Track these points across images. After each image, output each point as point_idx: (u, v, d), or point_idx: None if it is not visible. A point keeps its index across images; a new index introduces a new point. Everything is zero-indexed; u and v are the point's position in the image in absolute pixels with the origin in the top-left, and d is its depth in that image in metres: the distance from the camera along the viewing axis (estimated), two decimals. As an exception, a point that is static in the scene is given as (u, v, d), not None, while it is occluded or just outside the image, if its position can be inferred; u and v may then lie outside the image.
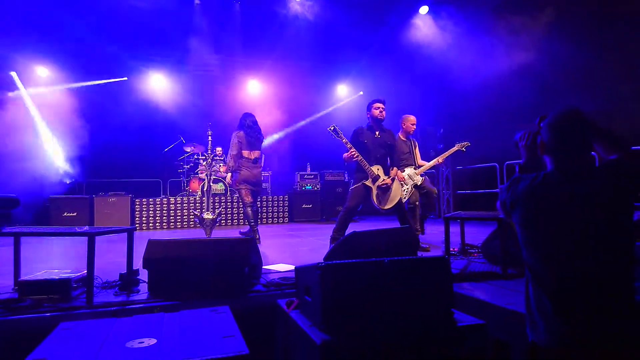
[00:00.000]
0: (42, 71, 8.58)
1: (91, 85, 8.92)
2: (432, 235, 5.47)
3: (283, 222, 8.56)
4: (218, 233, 6.08)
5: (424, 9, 8.49)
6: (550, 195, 1.40)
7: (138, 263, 2.60)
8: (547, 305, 1.34)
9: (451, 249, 3.70)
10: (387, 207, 4.17)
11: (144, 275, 2.64)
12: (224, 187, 8.36)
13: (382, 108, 4.29)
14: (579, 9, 6.15)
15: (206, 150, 5.04)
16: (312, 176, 9.09)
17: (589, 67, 5.99)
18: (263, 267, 3.10)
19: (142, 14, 7.71)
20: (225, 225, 8.02)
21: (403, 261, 1.83)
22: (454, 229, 3.72)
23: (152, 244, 2.57)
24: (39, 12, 7.10)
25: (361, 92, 10.71)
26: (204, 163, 4.83)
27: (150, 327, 1.84)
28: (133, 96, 9.13)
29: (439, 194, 9.21)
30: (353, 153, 4.08)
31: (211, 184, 4.83)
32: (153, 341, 1.64)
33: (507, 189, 1.57)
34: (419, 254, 3.55)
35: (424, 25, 8.65)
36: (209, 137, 4.96)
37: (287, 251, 4.49)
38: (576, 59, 5.97)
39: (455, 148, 5.13)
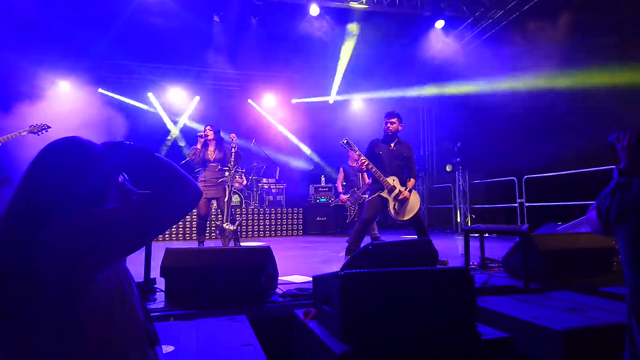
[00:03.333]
0: (64, 85, 8.83)
1: (112, 99, 9.15)
2: (449, 250, 5.38)
3: (297, 234, 8.53)
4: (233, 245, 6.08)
5: (439, 23, 8.51)
6: None
7: (155, 272, 2.61)
8: None
9: (470, 263, 3.63)
10: (405, 218, 4.13)
11: (160, 284, 2.64)
12: (239, 199, 8.40)
13: (395, 122, 4.30)
14: (596, 13, 6.03)
15: (226, 159, 5.07)
16: (327, 189, 9.08)
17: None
18: (278, 278, 3.08)
19: (162, 30, 7.93)
20: (240, 237, 8.03)
21: (424, 271, 1.79)
22: (472, 244, 3.65)
23: (169, 253, 2.58)
24: (63, 28, 7.33)
25: (375, 106, 10.74)
26: (226, 174, 4.85)
27: (168, 335, 1.83)
28: (154, 108, 9.34)
29: (456, 207, 9.10)
30: (366, 163, 4.08)
31: (230, 194, 4.84)
32: (171, 348, 1.63)
33: (611, 196, 1.32)
34: (437, 267, 3.48)
35: (440, 40, 8.67)
36: (232, 150, 5.00)
37: (301, 263, 4.46)
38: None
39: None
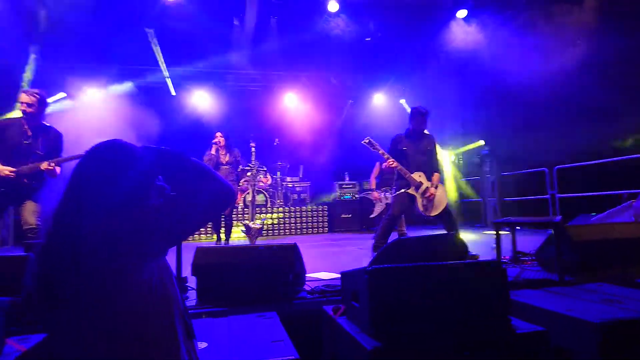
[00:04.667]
0: (92, 92, 9.12)
1: (139, 101, 9.39)
2: (479, 244, 5.27)
3: (322, 232, 8.55)
4: (261, 243, 6.15)
5: (462, 13, 8.33)
6: None
7: (186, 271, 2.67)
8: None
9: (502, 257, 3.54)
10: (433, 213, 4.08)
11: (192, 282, 2.70)
12: (264, 199, 8.48)
13: (425, 120, 4.24)
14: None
15: (250, 162, 5.16)
16: (351, 185, 9.05)
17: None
18: (306, 275, 3.10)
19: (185, 35, 8.10)
20: (267, 235, 8.11)
21: (455, 265, 1.76)
22: (503, 238, 3.56)
23: (200, 251, 2.64)
24: (90, 35, 7.56)
25: (401, 100, 10.61)
26: (249, 174, 4.94)
27: (201, 332, 1.87)
28: (178, 111, 9.54)
29: (485, 201, 8.90)
30: (391, 163, 4.04)
31: (255, 194, 4.92)
32: (204, 345, 1.67)
33: None
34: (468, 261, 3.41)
35: (463, 29, 8.48)
36: (252, 149, 5.08)
37: (328, 260, 4.47)
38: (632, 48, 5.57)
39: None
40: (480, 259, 4.08)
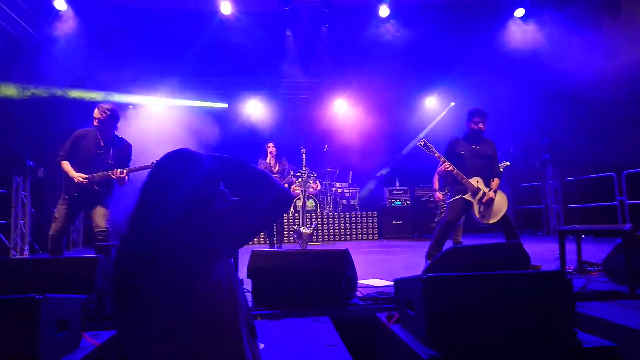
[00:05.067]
0: (157, 105, 9.72)
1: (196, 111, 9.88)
2: (542, 254, 4.98)
3: (372, 238, 8.48)
4: (312, 248, 6.22)
5: (519, 12, 7.98)
6: None
7: (242, 273, 2.77)
8: None
9: (567, 268, 3.34)
10: (491, 221, 3.90)
11: (247, 285, 2.80)
12: (314, 204, 8.58)
13: (481, 121, 4.09)
14: None
15: (300, 168, 5.26)
16: (402, 191, 8.91)
17: None
18: (357, 281, 3.10)
19: (240, 47, 8.44)
20: (316, 241, 8.18)
21: (515, 275, 1.69)
22: (568, 248, 3.35)
23: (255, 255, 2.72)
24: (152, 49, 8.09)
25: (452, 103, 10.32)
26: (299, 180, 5.04)
27: (258, 333, 1.93)
28: (234, 120, 9.95)
29: (547, 208, 8.40)
30: (447, 166, 3.91)
31: (305, 200, 5.01)
32: (261, 346, 1.72)
33: None
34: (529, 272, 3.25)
35: (521, 28, 8.12)
36: (303, 156, 5.18)
37: (379, 267, 4.43)
38: None
39: None
40: (543, 269, 3.86)
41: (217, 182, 1.31)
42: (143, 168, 3.75)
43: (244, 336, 1.15)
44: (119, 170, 3.71)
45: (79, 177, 3.65)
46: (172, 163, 1.28)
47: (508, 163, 4.71)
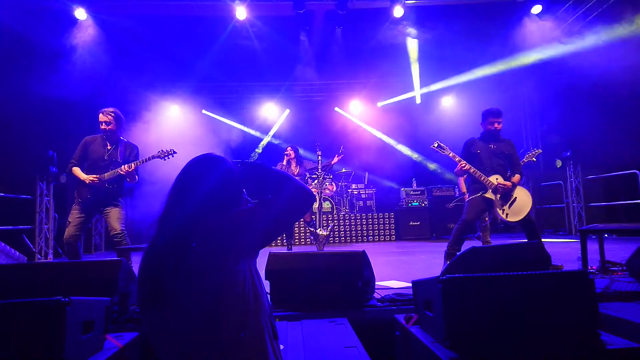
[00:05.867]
0: (174, 108, 9.89)
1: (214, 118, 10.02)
2: (563, 254, 4.88)
3: (390, 239, 8.43)
4: (328, 250, 6.23)
5: (536, 9, 7.84)
6: None
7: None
8: None
9: (589, 267, 3.26)
10: (515, 219, 3.83)
11: (265, 286, 2.82)
12: (330, 205, 8.58)
13: (501, 121, 4.04)
14: None
15: (316, 169, 5.28)
16: (419, 192, 8.83)
17: None
18: (375, 283, 3.08)
19: (255, 51, 8.53)
20: (333, 243, 8.18)
21: (536, 275, 1.66)
22: (590, 247, 3.27)
23: (273, 257, 2.74)
24: (168, 55, 8.24)
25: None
26: (315, 182, 5.06)
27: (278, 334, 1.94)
28: (250, 122, 10.05)
29: (568, 207, 8.22)
30: (463, 165, 3.88)
31: (322, 201, 5.03)
32: (281, 347, 1.73)
33: None
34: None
35: (538, 25, 7.97)
36: (319, 157, 5.19)
37: (397, 268, 4.40)
38: None
39: (525, 159, 4.49)
40: (565, 269, 3.78)
41: (240, 185, 1.37)
42: (148, 159, 3.86)
43: (266, 337, 1.16)
44: (126, 165, 3.83)
45: (89, 178, 3.77)
46: (197, 167, 1.33)
47: (540, 151, 4.58)
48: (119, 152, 3.95)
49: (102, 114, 3.94)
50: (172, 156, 4.04)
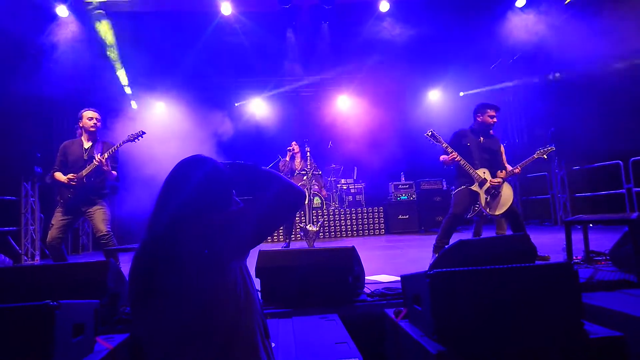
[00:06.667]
0: (160, 105, 9.78)
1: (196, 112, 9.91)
2: (549, 244, 4.98)
3: (379, 233, 8.49)
4: (319, 245, 6.25)
5: (520, 2, 7.91)
6: None
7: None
8: None
9: (574, 258, 3.33)
10: (497, 212, 3.90)
11: (255, 284, 2.83)
12: (320, 201, 8.60)
13: (496, 115, 4.08)
14: None
15: (306, 166, 5.28)
16: (407, 186, 8.89)
17: None
18: (365, 277, 3.11)
19: (241, 47, 8.46)
20: (323, 238, 8.21)
21: (522, 268, 1.70)
22: (575, 236, 3.35)
23: (263, 254, 2.75)
24: (153, 51, 8.11)
25: (461, 93, 10.28)
26: (304, 178, 5.07)
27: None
28: (237, 120, 9.98)
29: (554, 198, 8.36)
30: (454, 156, 3.90)
31: (311, 197, 5.04)
32: (272, 344, 1.75)
33: None
34: (537, 263, 3.25)
35: (522, 19, 8.05)
36: (308, 154, 5.20)
37: (387, 262, 4.44)
38: None
39: (536, 155, 4.47)
40: (552, 259, 3.86)
41: (229, 186, 1.37)
42: (120, 145, 3.89)
43: (258, 337, 1.18)
44: (98, 155, 3.80)
45: (68, 177, 3.76)
46: (185, 168, 1.33)
47: (553, 148, 4.54)
48: (95, 150, 3.95)
49: (92, 110, 3.96)
50: (142, 137, 4.03)
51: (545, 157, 4.46)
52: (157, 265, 1.15)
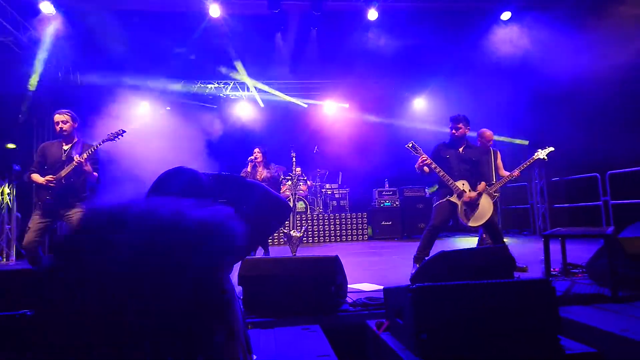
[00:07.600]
0: (144, 105, 9.62)
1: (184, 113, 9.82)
2: (528, 254, 5.07)
3: (362, 239, 8.53)
4: (302, 251, 6.24)
5: (506, 15, 8.09)
6: None
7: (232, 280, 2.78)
8: None
9: (551, 269, 3.41)
10: (475, 224, 3.97)
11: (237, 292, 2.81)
12: (304, 206, 8.60)
13: (461, 127, 4.14)
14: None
15: (290, 170, 5.26)
16: (391, 192, 8.97)
17: None
18: (347, 285, 3.12)
19: (229, 49, 8.43)
20: (307, 243, 8.20)
21: (501, 284, 1.73)
22: (553, 247, 3.43)
23: (245, 262, 2.73)
24: (139, 51, 7.99)
25: (441, 105, 10.43)
26: (288, 182, 5.05)
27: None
28: (221, 122, 9.91)
29: (533, 208, 8.54)
30: (434, 167, 3.96)
31: (295, 202, 5.03)
32: (253, 357, 1.74)
33: None
34: (516, 274, 3.32)
35: (507, 31, 8.23)
36: (293, 158, 5.18)
37: (369, 269, 4.46)
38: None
39: (535, 156, 4.54)
40: (529, 271, 3.94)
41: (209, 197, 1.35)
42: (100, 144, 3.81)
43: (239, 352, 1.17)
44: (77, 155, 3.71)
45: (46, 178, 3.67)
46: (169, 181, 1.32)
47: (552, 148, 4.55)
48: (74, 151, 3.84)
49: (59, 114, 3.84)
50: (122, 136, 3.96)
51: (546, 157, 4.49)
52: (144, 275, 1.12)
